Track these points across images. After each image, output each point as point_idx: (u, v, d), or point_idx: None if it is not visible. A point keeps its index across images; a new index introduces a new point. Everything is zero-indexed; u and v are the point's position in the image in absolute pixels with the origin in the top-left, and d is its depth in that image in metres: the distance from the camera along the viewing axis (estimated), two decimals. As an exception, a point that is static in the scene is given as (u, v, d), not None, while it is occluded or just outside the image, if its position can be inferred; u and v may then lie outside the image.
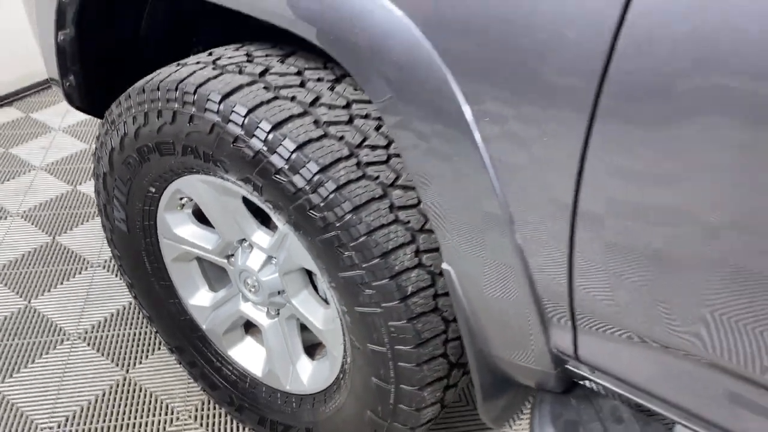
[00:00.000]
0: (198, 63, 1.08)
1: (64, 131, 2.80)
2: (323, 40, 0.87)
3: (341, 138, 0.97)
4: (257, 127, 0.95)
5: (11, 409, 1.52)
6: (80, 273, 1.95)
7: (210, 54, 1.12)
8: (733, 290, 0.67)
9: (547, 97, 0.67)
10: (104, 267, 1.98)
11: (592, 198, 0.70)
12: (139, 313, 1.79)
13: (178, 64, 1.11)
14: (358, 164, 0.96)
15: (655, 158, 0.63)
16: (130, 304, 1.83)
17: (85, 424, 1.49)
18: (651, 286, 0.72)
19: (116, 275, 1.94)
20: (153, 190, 1.23)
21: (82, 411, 1.52)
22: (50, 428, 1.48)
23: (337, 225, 0.94)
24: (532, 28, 0.65)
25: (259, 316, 1.32)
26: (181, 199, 1.26)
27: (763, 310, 0.66)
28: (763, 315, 0.66)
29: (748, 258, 0.64)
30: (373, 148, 0.99)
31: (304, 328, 1.30)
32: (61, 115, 2.93)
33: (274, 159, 0.95)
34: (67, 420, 1.50)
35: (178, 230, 1.30)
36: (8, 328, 1.75)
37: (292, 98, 0.99)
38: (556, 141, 0.69)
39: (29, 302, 1.84)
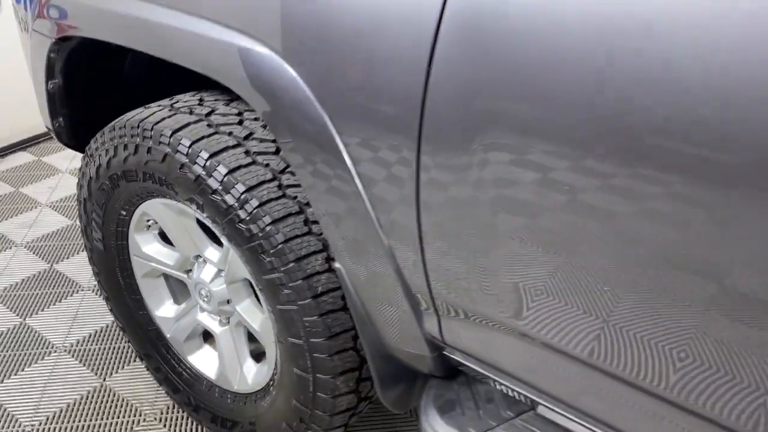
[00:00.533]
0: (159, 106, 1.32)
1: (71, 173, 3.07)
2: (239, 89, 1.10)
3: (267, 165, 1.19)
4: (198, 155, 1.18)
5: None
6: (72, 295, 2.17)
7: (171, 99, 1.36)
8: (547, 281, 0.83)
9: (387, 132, 0.89)
10: (93, 290, 2.20)
11: (427, 212, 0.90)
12: (118, 329, 1.99)
13: (144, 108, 1.35)
14: (279, 186, 1.18)
15: (461, 178, 0.84)
16: (113, 322, 2.04)
17: (62, 422, 1.68)
18: (475, 281, 0.91)
19: (101, 296, 2.15)
20: (124, 213, 1.46)
21: (61, 412, 1.71)
22: (32, 425, 1.67)
23: (260, 235, 1.15)
24: (367, 80, 0.87)
25: (213, 324, 1.52)
26: (147, 221, 1.48)
27: (574, 297, 0.82)
28: (574, 302, 0.82)
29: (554, 250, 0.81)
30: (294, 173, 1.21)
31: (252, 338, 1.49)
32: (69, 159, 3.21)
33: (211, 181, 1.17)
34: (47, 419, 1.69)
35: (146, 248, 1.51)
36: (3, 341, 1.96)
37: (230, 133, 1.22)
38: (398, 169, 0.90)
39: (24, 320, 2.05)
